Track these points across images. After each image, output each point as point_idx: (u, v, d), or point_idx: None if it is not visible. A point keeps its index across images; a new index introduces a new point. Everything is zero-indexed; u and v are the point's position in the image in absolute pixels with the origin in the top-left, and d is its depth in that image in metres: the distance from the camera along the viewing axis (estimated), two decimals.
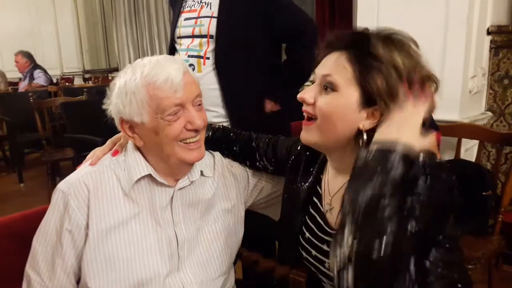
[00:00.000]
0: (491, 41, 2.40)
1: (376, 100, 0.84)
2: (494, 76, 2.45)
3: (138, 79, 0.98)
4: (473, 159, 2.08)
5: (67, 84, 6.83)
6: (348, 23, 3.48)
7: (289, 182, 1.13)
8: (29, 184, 4.48)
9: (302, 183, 1.08)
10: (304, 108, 0.92)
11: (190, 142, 1.03)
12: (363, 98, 0.85)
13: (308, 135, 0.93)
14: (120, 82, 1.02)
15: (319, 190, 1.06)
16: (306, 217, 1.07)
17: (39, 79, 5.94)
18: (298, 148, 1.13)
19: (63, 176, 3.75)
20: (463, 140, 2.01)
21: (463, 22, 2.09)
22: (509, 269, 2.09)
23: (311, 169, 1.08)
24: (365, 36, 0.84)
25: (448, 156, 2.08)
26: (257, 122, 1.54)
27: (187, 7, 1.80)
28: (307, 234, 1.06)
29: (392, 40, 0.85)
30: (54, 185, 3.80)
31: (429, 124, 0.93)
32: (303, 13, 1.83)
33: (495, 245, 1.76)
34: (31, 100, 4.04)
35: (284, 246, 1.15)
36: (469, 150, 2.26)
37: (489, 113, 2.46)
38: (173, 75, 0.98)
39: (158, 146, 1.02)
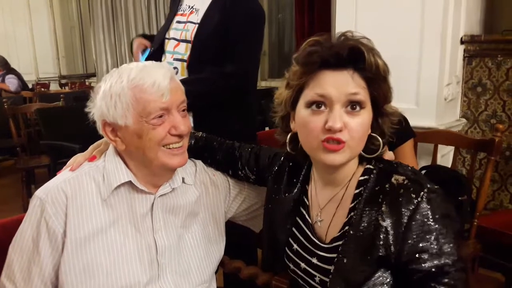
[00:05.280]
0: (464, 50, 2.47)
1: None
2: (468, 84, 2.52)
3: (124, 82, 0.98)
4: (449, 165, 2.12)
5: (42, 89, 6.68)
6: (326, 31, 3.52)
7: (272, 192, 1.13)
8: (3, 192, 4.36)
9: (287, 194, 1.08)
10: (335, 137, 0.86)
11: (173, 148, 1.03)
12: (372, 106, 0.91)
13: (341, 156, 0.88)
14: (105, 85, 1.01)
15: (306, 201, 1.06)
16: (294, 228, 1.06)
17: (10, 85, 5.81)
18: (281, 158, 1.14)
19: (38, 183, 3.69)
20: (439, 146, 2.05)
21: (437, 32, 2.14)
22: (485, 272, 2.13)
23: (295, 180, 1.08)
24: (360, 51, 0.87)
25: (425, 161, 2.12)
26: (220, 132, 1.47)
27: (181, 10, 1.81)
28: (295, 246, 1.06)
29: (372, 49, 0.90)
30: (29, 193, 3.71)
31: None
32: (251, 57, 1.76)
33: (471, 249, 1.79)
34: (5, 106, 3.94)
35: (270, 257, 1.15)
36: (445, 156, 2.31)
37: (464, 120, 2.53)
38: (160, 79, 0.98)
39: (140, 150, 1.01)
